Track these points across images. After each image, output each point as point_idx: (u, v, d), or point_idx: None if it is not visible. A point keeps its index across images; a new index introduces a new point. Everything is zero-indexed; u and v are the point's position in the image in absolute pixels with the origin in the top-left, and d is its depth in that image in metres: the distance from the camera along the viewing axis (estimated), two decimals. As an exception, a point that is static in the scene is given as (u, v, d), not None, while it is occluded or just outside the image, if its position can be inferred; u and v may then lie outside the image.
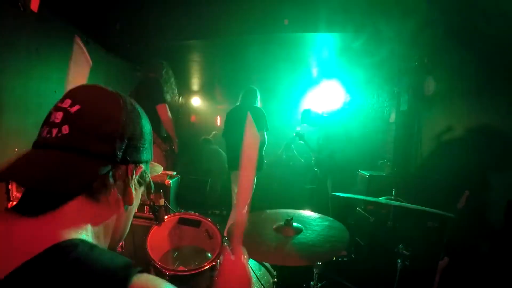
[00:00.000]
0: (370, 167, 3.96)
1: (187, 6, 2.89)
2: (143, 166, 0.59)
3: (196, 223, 1.84)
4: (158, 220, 1.75)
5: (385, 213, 2.37)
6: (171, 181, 2.80)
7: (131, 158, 0.56)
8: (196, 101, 6.56)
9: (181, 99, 6.42)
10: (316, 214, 1.56)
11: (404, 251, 1.64)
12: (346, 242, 1.32)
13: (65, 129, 0.50)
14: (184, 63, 4.86)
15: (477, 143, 2.34)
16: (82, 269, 0.43)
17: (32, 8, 2.32)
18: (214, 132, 5.78)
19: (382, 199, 2.22)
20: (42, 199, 0.48)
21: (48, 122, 0.52)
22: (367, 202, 2.57)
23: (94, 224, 0.52)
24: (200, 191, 4.78)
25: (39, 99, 2.78)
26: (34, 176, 0.47)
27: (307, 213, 1.60)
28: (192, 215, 1.89)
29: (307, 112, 3.65)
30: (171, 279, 1.40)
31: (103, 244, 0.56)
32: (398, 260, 1.65)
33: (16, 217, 0.47)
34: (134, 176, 0.57)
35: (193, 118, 6.66)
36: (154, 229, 1.76)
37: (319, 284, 1.59)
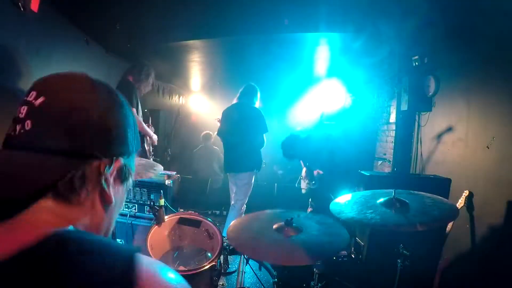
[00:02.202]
0: (370, 167, 3.97)
1: (187, 6, 2.88)
2: (121, 160, 0.53)
3: (196, 223, 1.85)
4: (158, 220, 1.75)
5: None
6: (171, 181, 2.80)
7: (105, 153, 0.50)
8: (196, 101, 6.55)
9: (181, 99, 6.41)
10: (316, 215, 1.56)
11: (404, 251, 1.64)
12: (346, 242, 1.32)
13: (28, 124, 0.46)
14: (184, 63, 4.86)
15: (477, 143, 2.34)
16: (85, 252, 0.41)
17: (32, 8, 2.32)
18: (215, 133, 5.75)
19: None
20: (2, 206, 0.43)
21: (14, 118, 0.48)
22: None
23: (73, 226, 0.47)
24: (200, 191, 4.78)
25: (39, 99, 2.77)
26: None
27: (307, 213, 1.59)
28: (192, 215, 1.89)
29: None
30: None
31: None
32: (398, 260, 1.65)
33: None
34: (110, 172, 0.51)
35: (193, 118, 6.65)
36: (154, 229, 1.76)
37: (319, 284, 1.59)
